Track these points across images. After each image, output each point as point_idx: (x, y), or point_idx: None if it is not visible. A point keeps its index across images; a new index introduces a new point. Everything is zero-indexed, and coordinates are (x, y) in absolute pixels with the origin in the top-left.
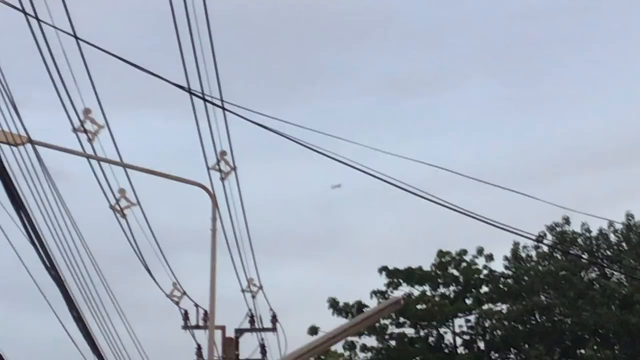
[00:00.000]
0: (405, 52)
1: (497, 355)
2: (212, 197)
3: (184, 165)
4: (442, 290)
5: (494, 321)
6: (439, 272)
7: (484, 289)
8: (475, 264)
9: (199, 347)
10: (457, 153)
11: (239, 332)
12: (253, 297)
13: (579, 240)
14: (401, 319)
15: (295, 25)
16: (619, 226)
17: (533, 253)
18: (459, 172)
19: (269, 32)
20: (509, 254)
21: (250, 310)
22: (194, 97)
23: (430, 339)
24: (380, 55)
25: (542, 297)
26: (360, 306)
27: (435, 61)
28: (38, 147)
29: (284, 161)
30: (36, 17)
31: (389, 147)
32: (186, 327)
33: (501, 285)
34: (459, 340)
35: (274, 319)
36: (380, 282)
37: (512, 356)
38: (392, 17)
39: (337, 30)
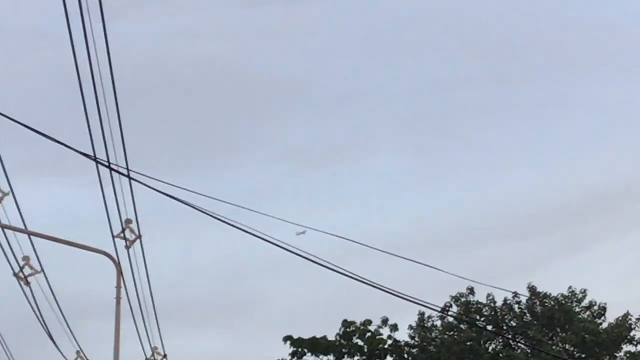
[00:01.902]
0: (314, 122)
1: None
2: (117, 265)
3: (89, 233)
4: None
5: None
6: (343, 342)
7: (389, 359)
8: (380, 333)
9: None
10: (365, 223)
11: None
12: None
13: (484, 310)
14: None
15: (205, 94)
16: (523, 297)
17: (438, 323)
18: (364, 243)
19: (179, 101)
20: (414, 324)
21: None
22: (100, 165)
23: None
24: (290, 125)
25: None
26: None
27: (344, 131)
28: None
29: (191, 229)
30: None
31: (297, 216)
32: None
33: (406, 355)
34: None
35: None
36: (285, 351)
37: None
38: (302, 88)
39: (247, 99)
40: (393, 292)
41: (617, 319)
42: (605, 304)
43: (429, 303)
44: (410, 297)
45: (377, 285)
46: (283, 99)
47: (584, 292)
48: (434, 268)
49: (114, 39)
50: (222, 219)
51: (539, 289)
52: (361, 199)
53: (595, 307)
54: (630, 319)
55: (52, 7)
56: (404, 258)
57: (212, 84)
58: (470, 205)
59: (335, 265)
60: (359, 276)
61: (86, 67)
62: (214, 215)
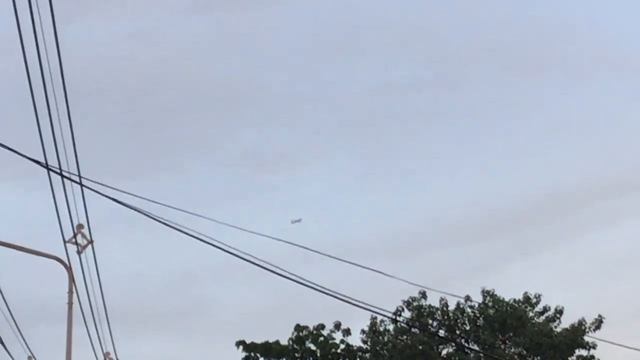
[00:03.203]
0: (264, 126)
1: None
2: (69, 270)
3: (41, 238)
4: None
5: None
6: (296, 347)
7: None
8: (333, 338)
9: None
10: (316, 228)
11: None
12: None
13: (437, 315)
14: None
15: (156, 98)
16: (475, 302)
17: (391, 327)
18: (314, 249)
19: (129, 105)
20: (367, 328)
21: None
22: (52, 172)
23: None
24: (239, 129)
25: None
26: None
27: (292, 136)
28: None
29: (143, 234)
30: None
31: (248, 221)
32: None
33: (358, 359)
34: None
35: None
36: (238, 356)
37: None
38: (251, 92)
39: (196, 104)
40: (342, 298)
41: (573, 325)
42: (562, 307)
43: (379, 308)
44: (360, 302)
45: (327, 291)
46: (232, 104)
47: (538, 297)
48: (382, 273)
49: (65, 43)
50: (172, 224)
51: (493, 293)
52: (311, 203)
53: (551, 312)
54: (584, 324)
55: (1, 9)
56: (353, 264)
57: (163, 89)
58: (422, 209)
59: (284, 271)
60: (309, 281)
61: (37, 71)
62: (163, 221)
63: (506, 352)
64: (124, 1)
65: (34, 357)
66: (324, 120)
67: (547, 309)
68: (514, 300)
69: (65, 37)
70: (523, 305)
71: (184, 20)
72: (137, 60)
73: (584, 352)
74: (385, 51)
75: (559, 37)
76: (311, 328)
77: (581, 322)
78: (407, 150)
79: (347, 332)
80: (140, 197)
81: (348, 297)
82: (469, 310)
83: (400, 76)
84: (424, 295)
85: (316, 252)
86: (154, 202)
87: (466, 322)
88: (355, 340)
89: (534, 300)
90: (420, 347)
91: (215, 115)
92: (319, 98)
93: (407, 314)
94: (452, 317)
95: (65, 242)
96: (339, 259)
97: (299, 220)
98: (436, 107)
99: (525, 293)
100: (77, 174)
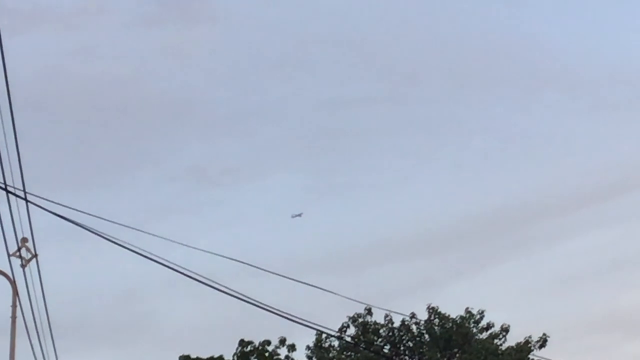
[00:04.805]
0: (210, 141)
1: None
2: (12, 283)
3: None
4: None
5: None
6: None
7: None
8: (278, 354)
9: None
10: (262, 243)
11: None
12: None
13: (382, 331)
14: None
15: (101, 112)
16: (420, 319)
17: (336, 343)
18: (257, 266)
19: (75, 120)
20: (312, 344)
21: None
22: None
23: None
24: (186, 143)
25: None
26: None
27: (240, 150)
28: None
29: (88, 249)
30: None
31: (194, 235)
32: None
33: None
34: None
35: None
36: None
37: None
38: (198, 106)
39: (143, 118)
40: (284, 315)
41: (518, 343)
42: (509, 325)
43: (323, 326)
44: (303, 320)
45: (269, 308)
46: (179, 118)
47: (481, 313)
48: (327, 290)
49: (9, 56)
50: (115, 240)
51: (439, 310)
52: (257, 218)
53: (497, 329)
54: (530, 342)
55: None
56: (296, 280)
57: (108, 103)
58: (370, 225)
59: (226, 287)
60: (250, 298)
61: None
62: (106, 236)
63: None
64: (67, 15)
65: None
66: (272, 136)
67: (491, 325)
68: (459, 317)
69: (9, 50)
70: (467, 322)
71: (131, 34)
72: (83, 74)
73: None
74: (334, 66)
75: (511, 54)
76: (256, 343)
77: (527, 340)
78: (355, 166)
79: (292, 347)
80: (84, 212)
81: (291, 315)
82: (414, 327)
83: (349, 91)
84: (369, 311)
85: (257, 267)
86: (98, 217)
87: (410, 339)
88: (301, 355)
89: (477, 317)
90: None
91: (161, 129)
92: (266, 113)
93: (352, 330)
94: (397, 334)
95: (9, 255)
96: (279, 275)
97: (299, 215)
98: (385, 123)
99: (467, 308)
100: (22, 188)
